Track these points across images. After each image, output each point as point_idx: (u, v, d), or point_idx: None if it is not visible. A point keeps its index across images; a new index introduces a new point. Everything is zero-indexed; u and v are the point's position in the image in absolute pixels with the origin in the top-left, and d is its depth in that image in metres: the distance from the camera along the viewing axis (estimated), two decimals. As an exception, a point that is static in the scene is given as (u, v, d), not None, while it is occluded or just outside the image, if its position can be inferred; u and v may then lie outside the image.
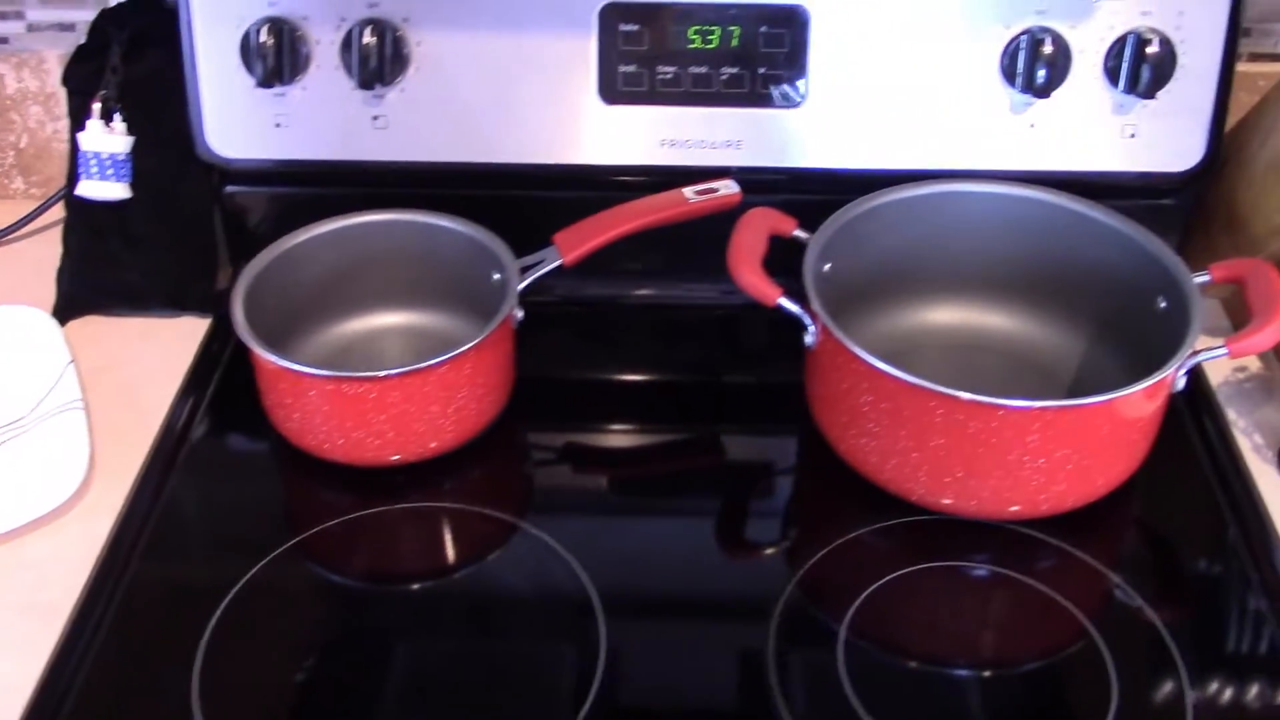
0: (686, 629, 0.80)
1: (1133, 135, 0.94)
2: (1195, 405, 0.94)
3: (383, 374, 0.84)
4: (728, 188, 0.93)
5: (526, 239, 0.92)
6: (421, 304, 0.98)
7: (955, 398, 0.78)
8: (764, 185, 0.95)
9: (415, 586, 0.83)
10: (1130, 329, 0.90)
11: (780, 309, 0.85)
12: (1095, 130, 0.94)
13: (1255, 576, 0.82)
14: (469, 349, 0.85)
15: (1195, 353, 0.81)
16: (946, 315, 0.98)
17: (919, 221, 0.94)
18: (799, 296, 0.84)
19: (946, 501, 0.83)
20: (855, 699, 0.74)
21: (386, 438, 0.86)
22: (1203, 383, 0.95)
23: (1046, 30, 0.91)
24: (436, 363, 0.84)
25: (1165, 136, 0.94)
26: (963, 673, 0.77)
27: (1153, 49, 0.90)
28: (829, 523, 0.87)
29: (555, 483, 0.93)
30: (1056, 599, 0.80)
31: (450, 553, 0.86)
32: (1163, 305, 0.87)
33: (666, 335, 1.05)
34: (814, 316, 0.84)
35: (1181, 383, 0.82)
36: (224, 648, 0.77)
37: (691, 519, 0.89)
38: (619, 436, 0.97)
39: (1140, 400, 0.80)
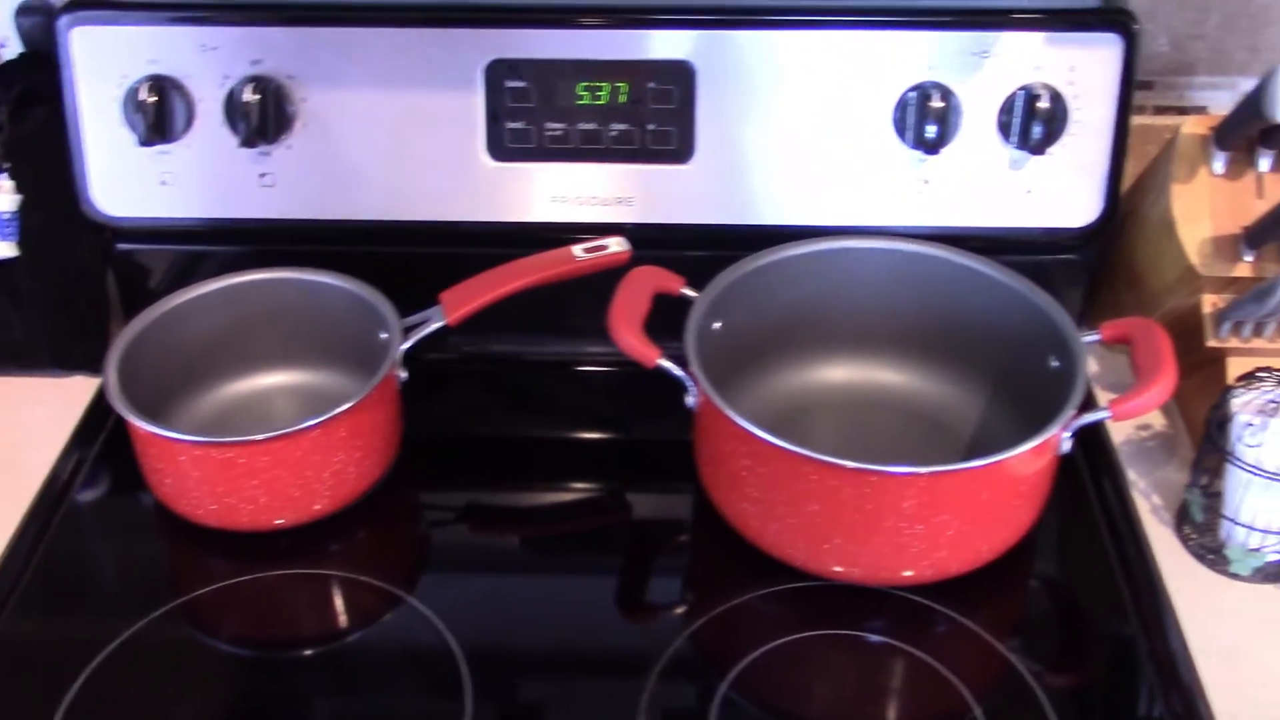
0: (562, 692, 0.78)
1: (1029, 191, 0.93)
2: (1095, 465, 0.92)
3: (251, 439, 0.82)
4: (617, 245, 0.92)
5: (418, 297, 0.91)
6: (313, 363, 0.96)
7: (828, 463, 0.76)
8: (656, 242, 0.94)
9: (283, 655, 0.81)
10: (1025, 387, 0.88)
11: (660, 370, 0.83)
12: (991, 186, 0.93)
13: (1144, 645, 0.80)
14: (342, 412, 0.84)
15: (1078, 415, 0.80)
16: (844, 373, 0.96)
17: (813, 278, 0.93)
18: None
19: (830, 568, 0.82)
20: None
21: (260, 503, 0.84)
22: (1104, 441, 0.93)
23: (936, 86, 0.90)
24: (307, 426, 0.82)
25: (1061, 192, 0.93)
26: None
27: (1044, 104, 0.89)
28: (719, 587, 0.85)
29: (443, 544, 0.91)
30: (938, 668, 0.78)
31: (322, 621, 0.84)
32: (1055, 364, 0.85)
33: (571, 393, 1.03)
34: (694, 378, 0.83)
35: (1068, 445, 0.81)
36: (88, 708, 0.75)
37: (579, 578, 0.87)
38: (517, 496, 0.95)
39: (1020, 465, 0.78)
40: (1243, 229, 0.83)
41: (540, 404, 1.04)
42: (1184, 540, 0.86)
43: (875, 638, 0.81)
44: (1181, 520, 0.86)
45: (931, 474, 0.76)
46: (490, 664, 0.78)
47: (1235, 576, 0.83)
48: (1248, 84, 0.99)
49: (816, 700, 0.78)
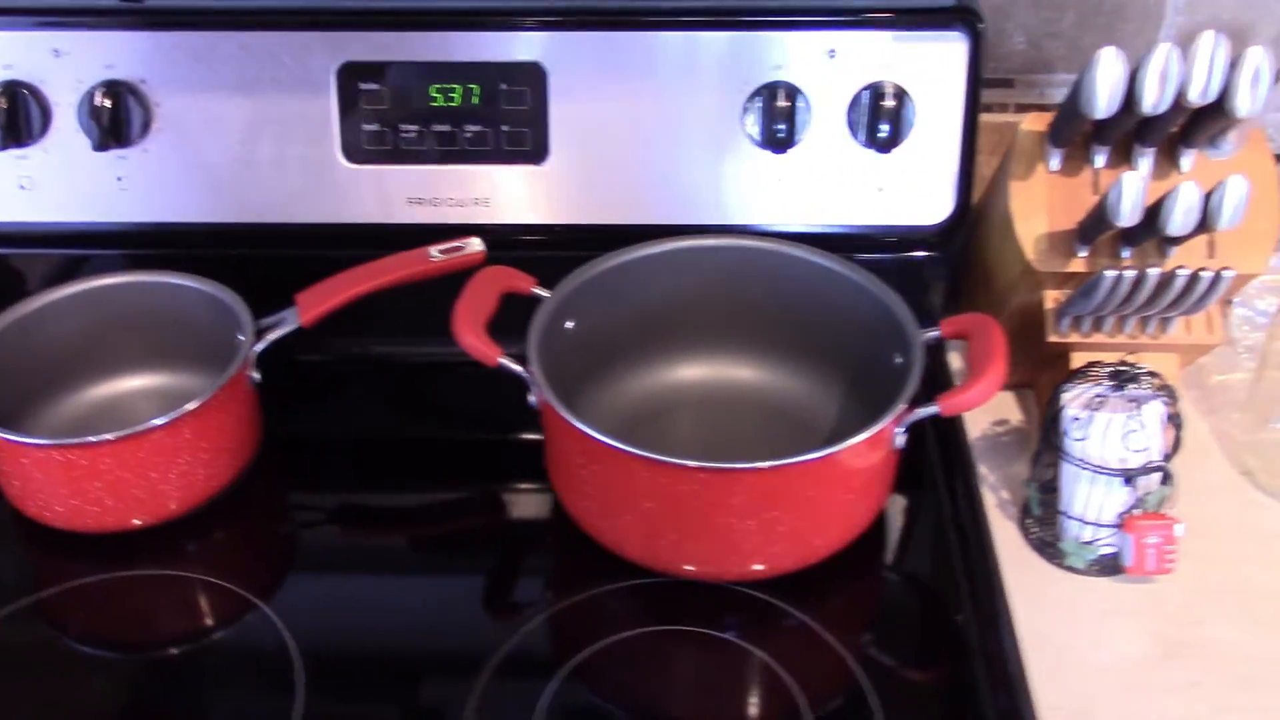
0: (395, 691, 0.78)
1: (881, 189, 0.94)
2: (948, 460, 0.93)
3: (92, 440, 0.82)
4: (471, 246, 0.92)
5: (279, 299, 0.91)
6: (174, 366, 0.96)
7: (657, 461, 0.77)
8: (515, 242, 0.95)
9: (119, 657, 0.82)
10: (876, 383, 0.88)
11: (502, 369, 0.84)
12: (843, 185, 0.94)
13: (976, 639, 0.81)
14: (186, 413, 0.84)
15: (910, 410, 0.80)
16: (701, 371, 0.97)
17: (668, 277, 0.93)
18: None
19: (668, 564, 0.82)
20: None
21: (105, 505, 0.84)
22: (958, 437, 0.94)
23: (784, 85, 0.91)
24: (149, 428, 0.83)
25: (913, 190, 0.94)
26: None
27: (890, 103, 0.90)
28: (565, 584, 0.86)
29: (306, 545, 0.92)
30: (769, 663, 0.79)
31: (162, 623, 0.84)
32: (899, 361, 0.86)
33: (449, 393, 1.04)
34: (533, 377, 0.83)
35: (901, 440, 0.81)
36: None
37: (434, 579, 0.88)
38: (389, 497, 0.95)
39: (849, 460, 0.79)
40: (1077, 224, 0.84)
41: (418, 405, 1.04)
42: (1026, 534, 0.86)
43: (711, 633, 0.81)
44: (1024, 514, 0.87)
45: (757, 470, 0.77)
46: (326, 665, 0.79)
47: (1072, 569, 0.84)
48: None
49: (643, 695, 0.79)
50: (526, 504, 0.94)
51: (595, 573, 0.85)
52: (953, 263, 0.98)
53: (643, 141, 0.93)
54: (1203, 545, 0.86)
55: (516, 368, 0.84)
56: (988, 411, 0.96)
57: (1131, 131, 0.84)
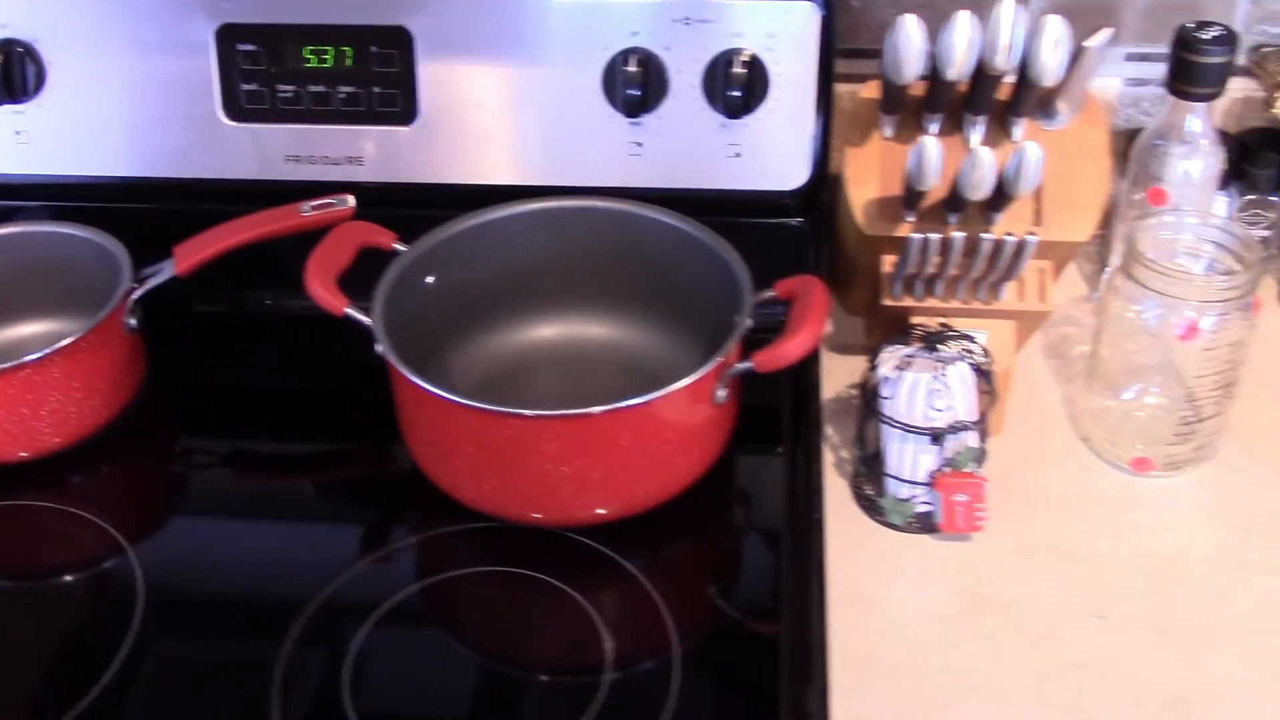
0: (224, 629, 0.82)
1: (739, 155, 0.96)
2: (797, 419, 0.95)
3: (-45, 376, 0.88)
4: (342, 202, 0.96)
5: (164, 251, 0.96)
6: (64, 313, 1.00)
7: (472, 407, 0.80)
8: (387, 200, 0.98)
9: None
10: (723, 341, 0.92)
11: (348, 319, 0.88)
12: (701, 150, 0.96)
13: (787, 593, 0.83)
14: (55, 351, 0.89)
15: (726, 365, 0.83)
16: (564, 328, 1.00)
17: (529, 236, 0.96)
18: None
19: (494, 508, 0.86)
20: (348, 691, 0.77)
21: (-16, 437, 0.90)
22: (809, 397, 0.96)
23: (640, 51, 0.93)
24: (18, 364, 0.88)
25: (769, 155, 0.96)
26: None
27: (742, 70, 0.92)
28: (411, 526, 0.90)
29: (191, 487, 0.96)
30: (584, 606, 0.82)
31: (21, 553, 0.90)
32: (737, 320, 0.89)
33: (333, 345, 1.06)
34: (376, 327, 0.87)
35: (722, 395, 0.84)
36: None
37: (295, 525, 0.92)
38: (279, 445, 0.99)
39: (662, 411, 0.82)
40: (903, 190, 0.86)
41: (308, 356, 1.07)
42: (855, 492, 0.89)
43: (529, 574, 0.84)
44: (856, 473, 0.89)
45: (566, 417, 0.80)
46: (167, 603, 0.83)
47: (892, 526, 0.86)
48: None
49: (455, 632, 0.82)
50: (400, 454, 0.98)
51: (437, 517, 0.88)
52: (813, 227, 1.00)
53: (507, 105, 0.96)
54: (1030, 507, 0.88)
55: (363, 319, 0.87)
56: (844, 375, 0.98)
57: (962, 101, 0.85)
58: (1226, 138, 1.02)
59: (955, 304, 0.89)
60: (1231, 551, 0.84)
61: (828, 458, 0.92)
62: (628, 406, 0.80)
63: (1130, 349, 0.88)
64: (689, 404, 0.83)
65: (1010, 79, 0.81)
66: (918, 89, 0.84)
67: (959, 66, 0.77)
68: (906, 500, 0.85)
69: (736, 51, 0.92)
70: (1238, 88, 1.02)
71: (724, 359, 0.82)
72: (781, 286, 0.88)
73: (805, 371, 0.98)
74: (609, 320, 0.99)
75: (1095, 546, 0.85)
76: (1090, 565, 0.84)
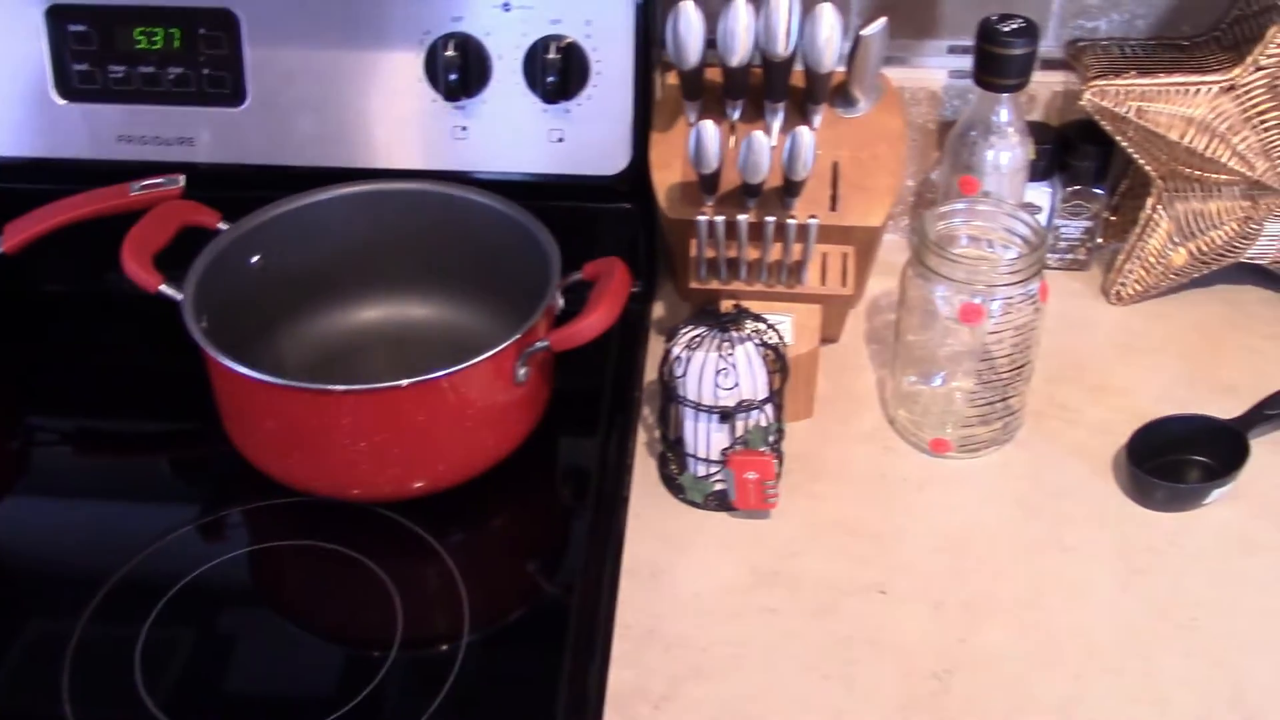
0: (21, 600, 0.84)
1: (561, 139, 0.98)
2: (617, 400, 0.97)
3: None
4: (172, 182, 0.98)
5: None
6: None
7: (264, 381, 0.82)
8: (218, 181, 0.99)
9: None
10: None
11: (161, 296, 0.89)
12: (523, 134, 0.98)
13: (581, 569, 0.84)
14: None
15: (524, 344, 0.85)
16: (391, 309, 1.01)
17: (354, 218, 0.98)
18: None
19: (301, 482, 0.87)
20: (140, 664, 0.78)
21: None
22: (631, 378, 0.98)
23: (460, 36, 0.95)
24: None
25: (590, 141, 0.97)
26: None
27: (559, 56, 0.94)
28: (228, 500, 0.91)
29: (33, 464, 0.97)
30: (384, 580, 0.84)
31: None
32: (546, 302, 0.90)
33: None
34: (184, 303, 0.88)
35: (522, 374, 0.86)
36: None
37: (109, 501, 0.93)
38: (123, 423, 1.01)
39: (455, 389, 0.83)
40: (705, 176, 0.88)
41: (156, 336, 1.08)
42: (661, 471, 0.91)
43: (332, 548, 0.86)
44: (661, 453, 0.91)
45: (356, 392, 0.81)
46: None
47: (692, 504, 0.88)
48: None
49: (263, 606, 0.84)
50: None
51: (252, 494, 0.90)
52: (639, 212, 1.02)
53: (334, 88, 0.98)
54: (831, 486, 0.91)
55: (175, 295, 0.89)
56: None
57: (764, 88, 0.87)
58: (1048, 130, 1.05)
59: (759, 287, 0.91)
60: (1015, 530, 0.87)
61: (641, 438, 0.94)
62: (418, 382, 0.81)
63: (927, 335, 0.90)
64: (488, 381, 0.85)
65: (800, 67, 0.83)
66: (716, 75, 0.86)
67: (741, 54, 0.79)
68: (704, 478, 0.87)
69: (556, 38, 0.94)
70: (1059, 80, 1.04)
71: (520, 337, 0.84)
72: (589, 268, 0.90)
73: (630, 354, 1.00)
74: (435, 301, 1.01)
75: (888, 524, 0.88)
76: (880, 542, 0.86)
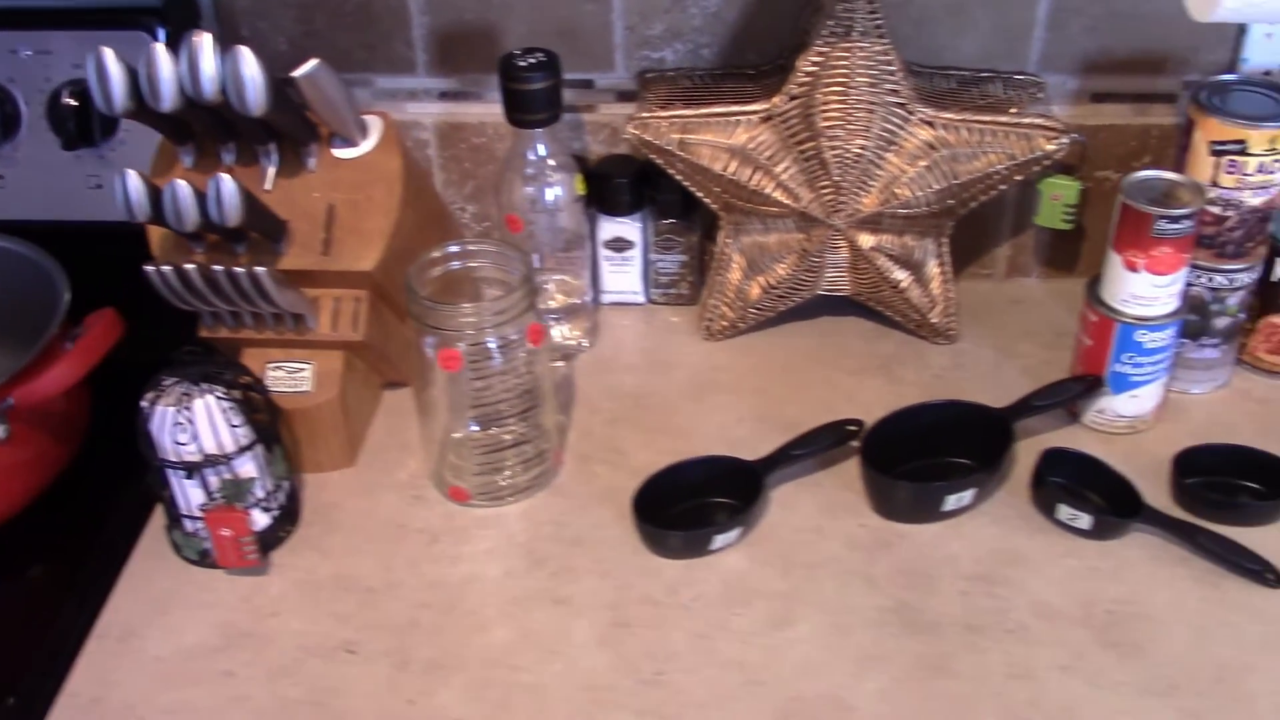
0: None
1: (99, 186, 0.95)
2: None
3: None
4: None
5: None
6: None
7: None
8: None
9: None
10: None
11: None
12: (59, 181, 0.96)
13: (58, 634, 0.81)
14: None
15: (-9, 402, 0.82)
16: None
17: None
18: None
19: None
20: None
21: None
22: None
23: (-13, 84, 0.93)
24: None
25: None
26: None
27: (76, 102, 0.92)
28: None
29: None
30: None
31: None
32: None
33: None
34: None
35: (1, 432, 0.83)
36: None
37: None
38: None
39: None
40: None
41: None
42: (166, 528, 0.87)
43: None
44: (166, 510, 0.88)
45: None
46: None
47: (189, 560, 0.85)
48: (376, 80, 1.01)
49: None
50: None
51: None
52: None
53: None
54: (345, 539, 0.87)
55: None
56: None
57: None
58: (631, 162, 1.02)
59: (269, 334, 0.88)
60: (512, 583, 0.84)
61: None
62: None
63: (437, 383, 0.87)
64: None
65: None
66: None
67: (170, 100, 0.76)
68: (193, 535, 0.84)
69: (72, 83, 0.92)
70: (632, 113, 1.01)
71: (-14, 393, 0.82)
72: (88, 320, 0.87)
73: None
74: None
75: (388, 578, 0.84)
76: (373, 596, 0.83)
